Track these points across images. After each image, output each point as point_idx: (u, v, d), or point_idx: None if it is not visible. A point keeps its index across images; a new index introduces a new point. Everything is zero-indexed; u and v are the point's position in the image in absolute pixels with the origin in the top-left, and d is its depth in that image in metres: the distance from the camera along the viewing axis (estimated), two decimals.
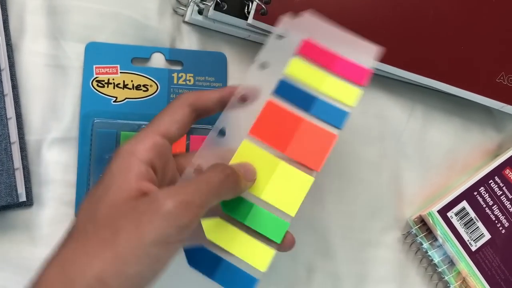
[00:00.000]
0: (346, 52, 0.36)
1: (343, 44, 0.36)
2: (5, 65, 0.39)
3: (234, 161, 0.34)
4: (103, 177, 0.28)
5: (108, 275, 0.24)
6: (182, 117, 0.31)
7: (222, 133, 0.35)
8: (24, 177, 0.39)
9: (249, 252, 0.33)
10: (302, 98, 0.35)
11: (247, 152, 0.34)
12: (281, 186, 0.34)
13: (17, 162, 0.39)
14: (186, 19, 0.42)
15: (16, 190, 0.38)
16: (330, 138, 0.35)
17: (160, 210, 0.25)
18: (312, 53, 0.36)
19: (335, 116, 0.35)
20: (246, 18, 0.39)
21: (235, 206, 0.33)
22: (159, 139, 0.29)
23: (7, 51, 0.40)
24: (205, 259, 0.32)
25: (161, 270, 0.26)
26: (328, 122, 0.35)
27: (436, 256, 0.41)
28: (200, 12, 0.41)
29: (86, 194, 0.29)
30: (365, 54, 0.36)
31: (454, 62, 0.41)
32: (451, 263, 0.41)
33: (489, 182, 0.41)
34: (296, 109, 0.35)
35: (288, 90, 0.35)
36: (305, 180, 0.34)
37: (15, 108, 0.40)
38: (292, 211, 0.34)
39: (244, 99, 0.33)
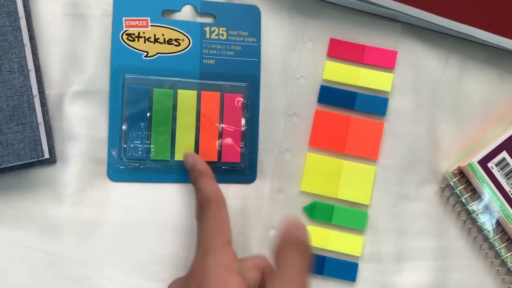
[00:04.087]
0: (371, 39, 0.39)
1: (367, 32, 0.39)
2: (22, 13, 0.36)
3: (305, 174, 0.38)
4: None
5: None
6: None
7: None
8: (46, 133, 0.36)
9: (343, 244, 0.38)
10: (344, 98, 0.39)
11: (314, 162, 0.38)
12: (351, 182, 0.38)
13: (39, 117, 0.36)
14: None
15: (41, 145, 0.35)
16: (379, 127, 0.38)
17: None
18: (341, 50, 0.39)
19: (377, 105, 0.38)
20: None
21: (319, 212, 0.38)
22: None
23: None
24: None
25: None
26: (372, 112, 0.39)
27: (475, 209, 0.38)
28: None
29: None
30: (389, 35, 0.39)
31: (491, 7, 0.38)
32: (491, 215, 0.38)
33: None
34: (342, 110, 0.39)
35: (329, 94, 0.39)
36: (369, 171, 0.38)
37: (33, 60, 0.36)
38: (366, 200, 0.39)
39: None
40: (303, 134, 0.39)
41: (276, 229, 0.38)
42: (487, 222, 0.38)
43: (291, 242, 0.29)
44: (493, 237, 0.38)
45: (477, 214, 0.38)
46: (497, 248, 0.38)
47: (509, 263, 0.38)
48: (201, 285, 0.29)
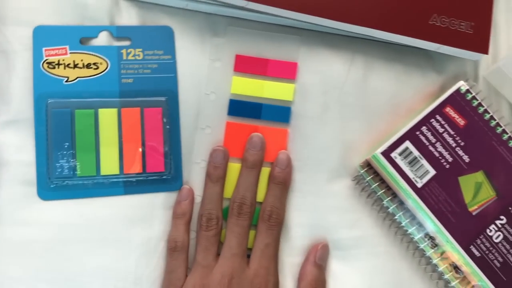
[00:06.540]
0: (274, 53, 0.41)
1: (270, 46, 0.41)
2: None
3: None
4: None
5: None
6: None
7: None
8: None
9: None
10: (251, 109, 0.41)
11: (228, 170, 0.40)
12: (264, 185, 0.40)
13: None
14: None
15: None
16: (283, 133, 0.40)
17: None
18: (246, 65, 0.41)
19: (281, 114, 0.40)
20: None
21: None
22: None
23: None
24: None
25: None
26: (277, 120, 0.41)
27: (385, 197, 0.40)
28: None
29: None
30: (290, 47, 0.41)
31: (387, 9, 0.39)
32: (400, 202, 0.39)
33: (431, 121, 0.40)
34: (250, 120, 0.41)
35: (238, 107, 0.41)
36: None
37: None
38: None
39: None
40: (216, 145, 0.41)
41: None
42: (397, 208, 0.39)
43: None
44: (404, 221, 0.39)
45: (387, 201, 0.39)
46: (409, 231, 0.39)
47: (422, 244, 0.39)
48: None
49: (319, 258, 0.39)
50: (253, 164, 0.39)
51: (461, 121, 0.40)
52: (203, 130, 0.41)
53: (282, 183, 0.39)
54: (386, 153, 0.39)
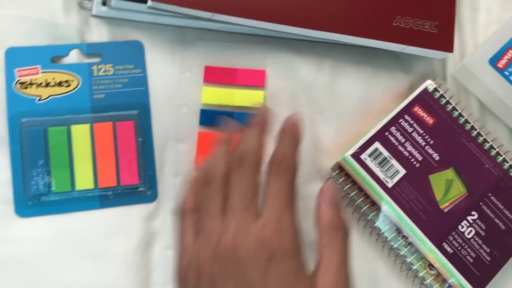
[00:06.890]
0: (242, 62, 0.41)
1: (238, 56, 0.41)
2: None
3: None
4: None
5: None
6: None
7: None
8: None
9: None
10: None
11: None
12: None
13: None
14: (94, 12, 0.41)
15: None
16: None
17: None
18: (215, 75, 0.41)
19: None
20: (146, 2, 0.39)
21: None
22: None
23: None
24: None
25: None
26: None
27: (357, 198, 0.40)
28: (104, 3, 0.40)
29: None
30: (258, 56, 0.41)
31: (351, 13, 0.40)
32: (373, 202, 0.40)
33: (399, 121, 0.40)
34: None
35: (209, 117, 0.41)
36: None
37: None
38: None
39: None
40: (189, 155, 0.41)
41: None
42: (369, 209, 0.40)
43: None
44: (378, 221, 0.40)
45: (360, 202, 0.40)
46: (383, 230, 0.40)
47: (395, 243, 0.39)
48: None
49: (329, 197, 0.34)
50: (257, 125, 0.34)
51: (429, 120, 0.41)
52: (176, 141, 0.41)
53: (290, 138, 0.34)
54: (356, 155, 0.39)
